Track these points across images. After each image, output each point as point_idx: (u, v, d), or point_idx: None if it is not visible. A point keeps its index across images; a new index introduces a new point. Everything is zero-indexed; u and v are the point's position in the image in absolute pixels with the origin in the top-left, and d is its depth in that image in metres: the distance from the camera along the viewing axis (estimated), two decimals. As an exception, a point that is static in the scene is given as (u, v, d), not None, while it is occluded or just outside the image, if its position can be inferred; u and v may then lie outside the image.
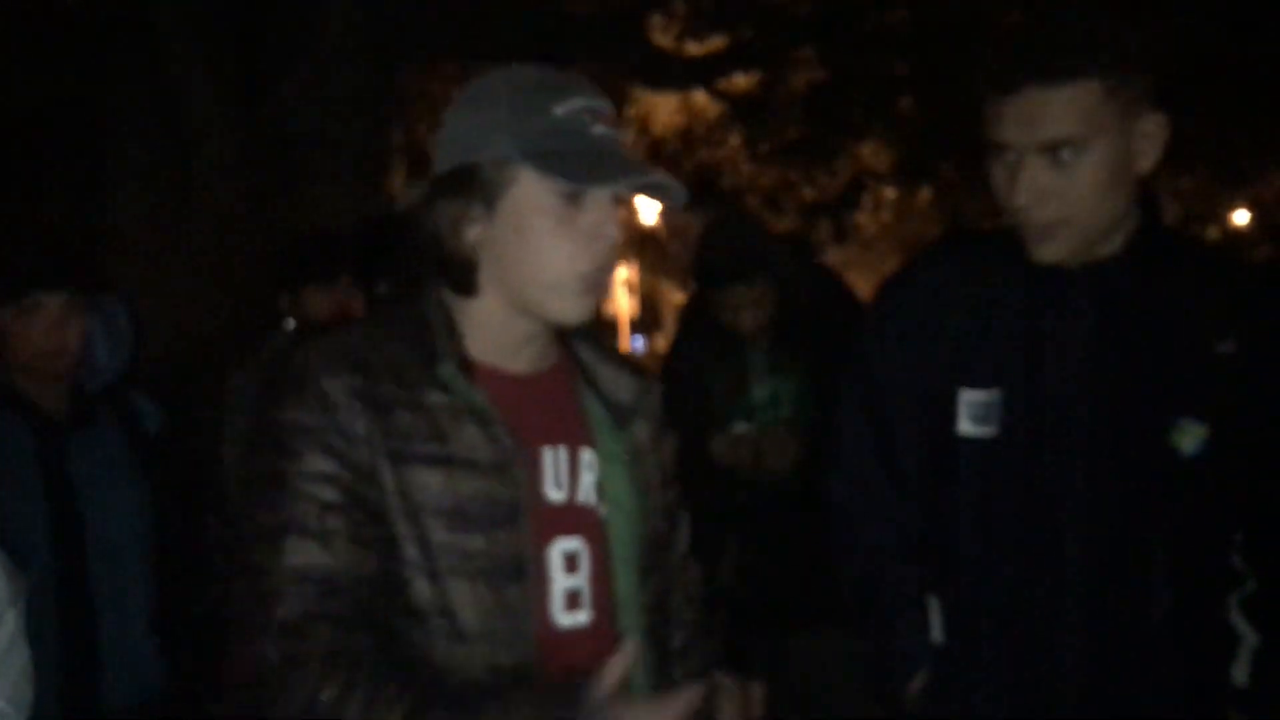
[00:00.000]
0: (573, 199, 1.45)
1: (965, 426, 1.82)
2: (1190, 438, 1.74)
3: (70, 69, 5.12)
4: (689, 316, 3.60)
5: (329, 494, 1.39)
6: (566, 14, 6.89)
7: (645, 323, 23.33)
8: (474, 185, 1.45)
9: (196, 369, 3.93)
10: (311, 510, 1.38)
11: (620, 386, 1.63)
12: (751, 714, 2.26)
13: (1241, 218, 15.63)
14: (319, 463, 1.39)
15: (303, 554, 1.38)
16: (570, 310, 1.49)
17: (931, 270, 1.97)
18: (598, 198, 1.46)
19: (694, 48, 8.24)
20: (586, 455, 1.55)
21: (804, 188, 9.67)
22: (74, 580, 2.49)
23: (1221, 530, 1.82)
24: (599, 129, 1.47)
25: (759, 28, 7.56)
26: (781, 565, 3.09)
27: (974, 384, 1.82)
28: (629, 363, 1.69)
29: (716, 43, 7.96)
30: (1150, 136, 1.74)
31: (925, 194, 11.04)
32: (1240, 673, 1.81)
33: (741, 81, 8.69)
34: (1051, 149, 1.68)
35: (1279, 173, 12.08)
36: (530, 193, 1.45)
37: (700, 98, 10.15)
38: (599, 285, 1.50)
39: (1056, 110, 1.67)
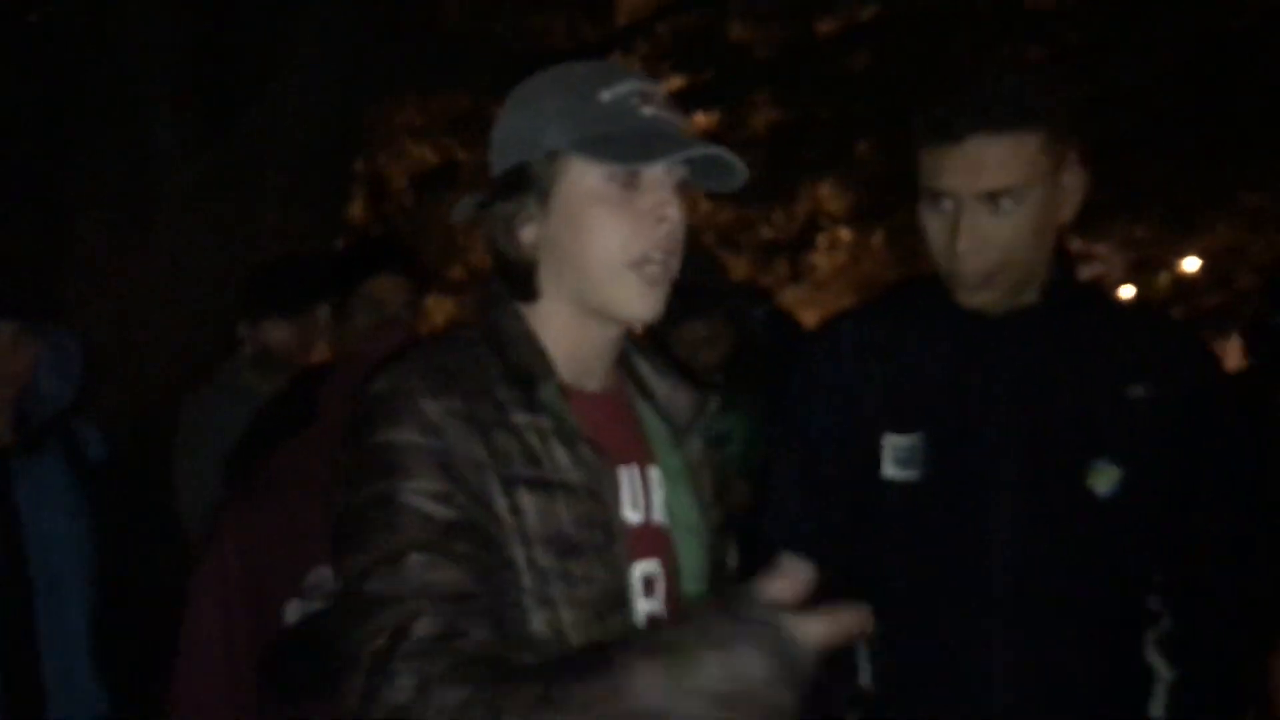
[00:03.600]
0: (628, 183, 1.37)
1: (889, 470, 1.86)
2: (1105, 479, 1.79)
3: (31, 93, 5.10)
4: None
5: (448, 513, 1.27)
6: (532, 50, 6.94)
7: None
8: (525, 183, 1.39)
9: (155, 397, 3.93)
10: (433, 527, 1.26)
11: (677, 400, 1.55)
12: None
13: (1192, 265, 15.85)
14: (432, 481, 1.27)
15: (431, 570, 1.24)
16: (636, 302, 1.40)
17: (859, 318, 2.03)
18: (655, 178, 1.38)
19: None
20: (654, 473, 1.48)
21: (761, 227, 9.75)
22: (17, 608, 2.49)
23: (1138, 569, 1.87)
24: (650, 109, 1.39)
25: (719, 68, 7.64)
26: None
27: (898, 429, 1.86)
28: (686, 376, 1.61)
29: (677, 82, 8.05)
30: (1072, 189, 1.81)
31: (880, 236, 11.14)
32: (1157, 708, 1.86)
33: (701, 120, 8.78)
34: (992, 197, 1.73)
35: (1227, 223, 12.29)
36: (582, 181, 1.37)
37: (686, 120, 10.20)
38: (665, 274, 1.41)
39: (999, 160, 1.72)
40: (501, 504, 1.31)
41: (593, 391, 1.46)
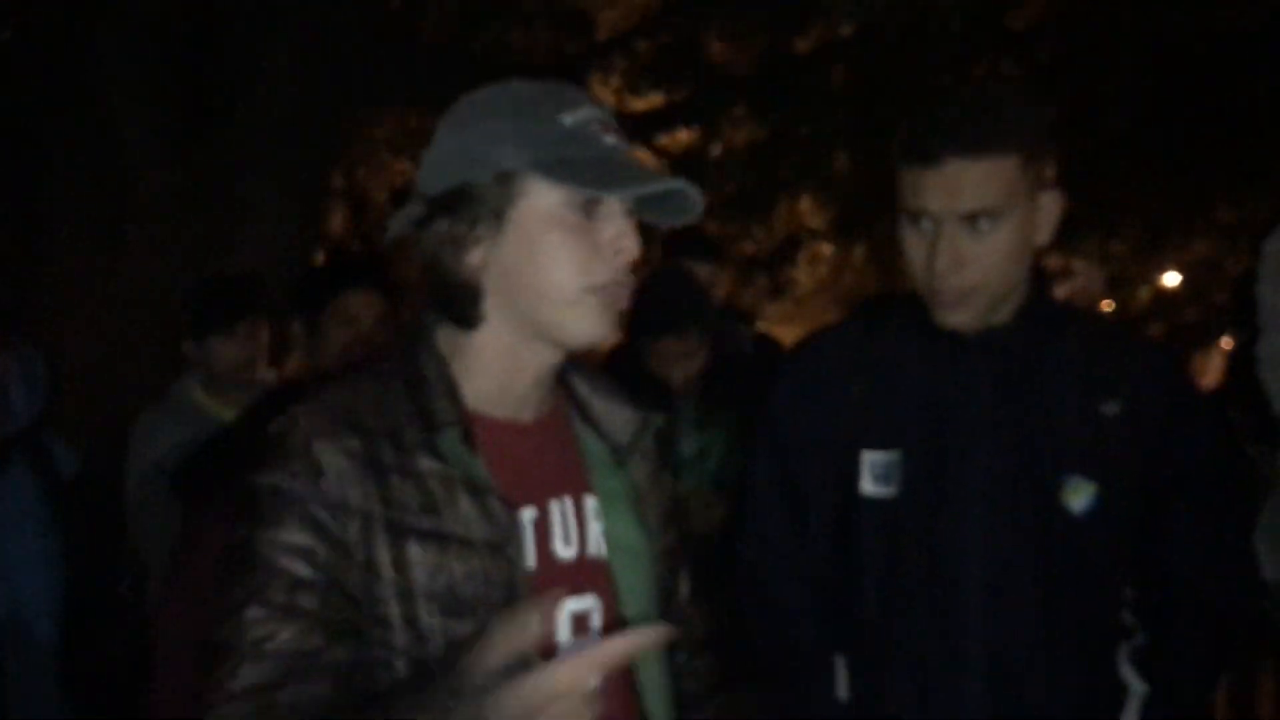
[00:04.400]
0: (587, 210, 1.35)
1: (867, 486, 1.87)
2: (1080, 495, 1.81)
3: (4, 105, 5.07)
4: (615, 367, 3.60)
5: (299, 568, 1.25)
6: (511, 67, 6.94)
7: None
8: (477, 203, 1.34)
9: (129, 411, 3.91)
10: (280, 583, 1.24)
11: (617, 420, 1.51)
12: None
13: (1172, 279, 15.96)
14: (292, 533, 1.26)
15: (265, 625, 1.24)
16: (591, 328, 1.37)
17: (836, 337, 2.04)
18: (613, 209, 1.36)
19: (637, 103, 8.34)
20: (591, 503, 1.44)
21: (742, 242, 9.75)
22: None
23: (1112, 585, 1.89)
24: (610, 139, 1.37)
25: (698, 84, 7.66)
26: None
27: (875, 445, 1.87)
28: (628, 397, 1.57)
29: (656, 98, 8.06)
30: (1048, 211, 1.82)
31: (861, 250, 11.17)
32: (1127, 721, 1.87)
33: (681, 137, 8.79)
34: (970, 218, 1.75)
35: (1204, 238, 12.39)
36: (542, 204, 1.34)
37: (640, 152, 10.24)
38: (618, 301, 1.38)
39: (977, 182, 1.74)
40: (384, 557, 1.28)
41: (526, 422, 1.43)
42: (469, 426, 1.34)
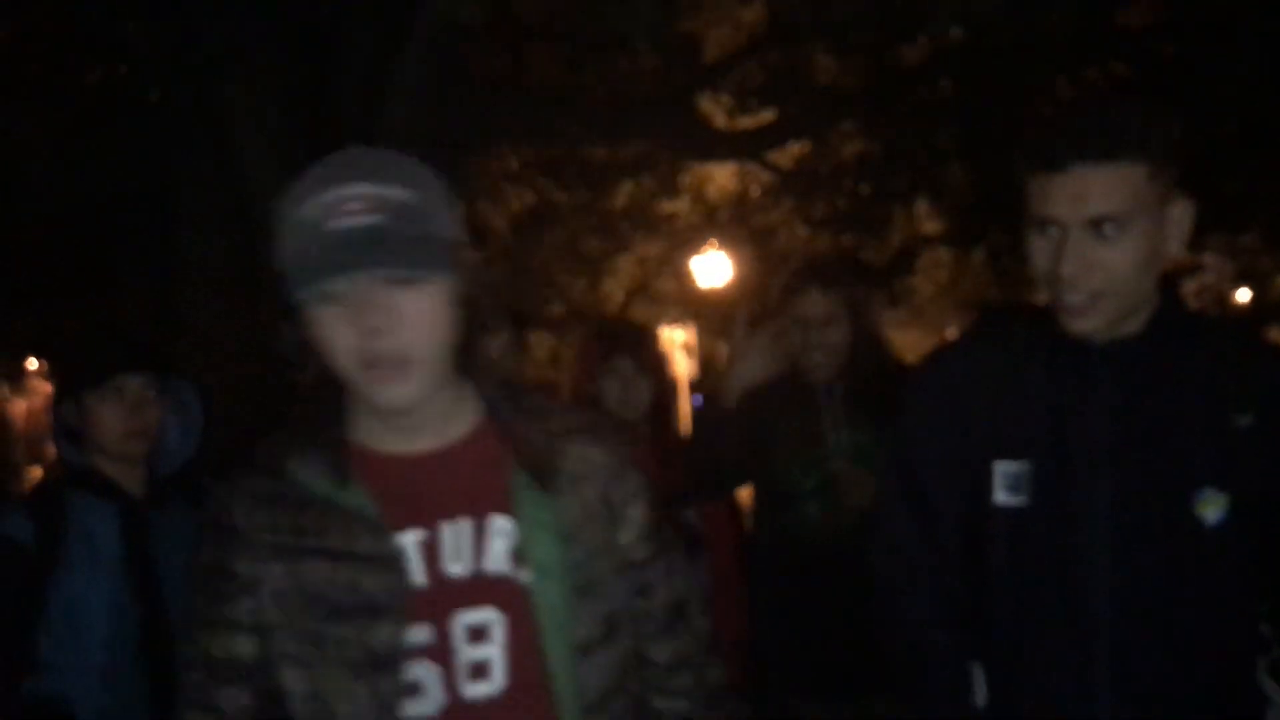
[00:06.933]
0: (328, 299, 1.43)
1: (1000, 496, 1.89)
2: (1213, 507, 1.80)
3: (146, 162, 5.30)
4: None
5: (208, 587, 1.54)
6: (622, 96, 7.04)
7: (704, 383, 23.33)
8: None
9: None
10: (199, 601, 1.55)
11: (556, 452, 1.58)
12: None
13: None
14: (208, 557, 1.54)
15: (191, 642, 1.56)
16: (376, 396, 1.46)
17: (962, 351, 2.07)
18: (353, 289, 1.42)
19: (746, 121, 8.39)
20: (498, 522, 1.54)
21: (858, 252, 9.74)
22: (162, 651, 2.57)
23: (1248, 596, 1.87)
24: (340, 222, 1.42)
25: (806, 101, 7.68)
26: (833, 630, 3.02)
27: (1006, 455, 1.89)
28: (583, 428, 1.64)
29: (766, 116, 8.09)
30: (1179, 221, 1.82)
31: (979, 255, 11.06)
32: (1269, 733, 1.86)
33: (792, 152, 8.81)
34: (1096, 225, 1.76)
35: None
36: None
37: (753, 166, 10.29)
38: (396, 368, 1.45)
39: (1104, 188, 1.75)
40: (275, 572, 1.48)
41: (418, 453, 1.55)
42: (343, 456, 1.52)
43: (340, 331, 1.43)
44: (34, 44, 5.85)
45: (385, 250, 1.41)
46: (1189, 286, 14.21)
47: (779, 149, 8.51)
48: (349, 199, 1.43)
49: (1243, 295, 17.48)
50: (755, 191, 11.97)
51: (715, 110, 8.50)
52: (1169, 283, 1.90)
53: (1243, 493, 1.80)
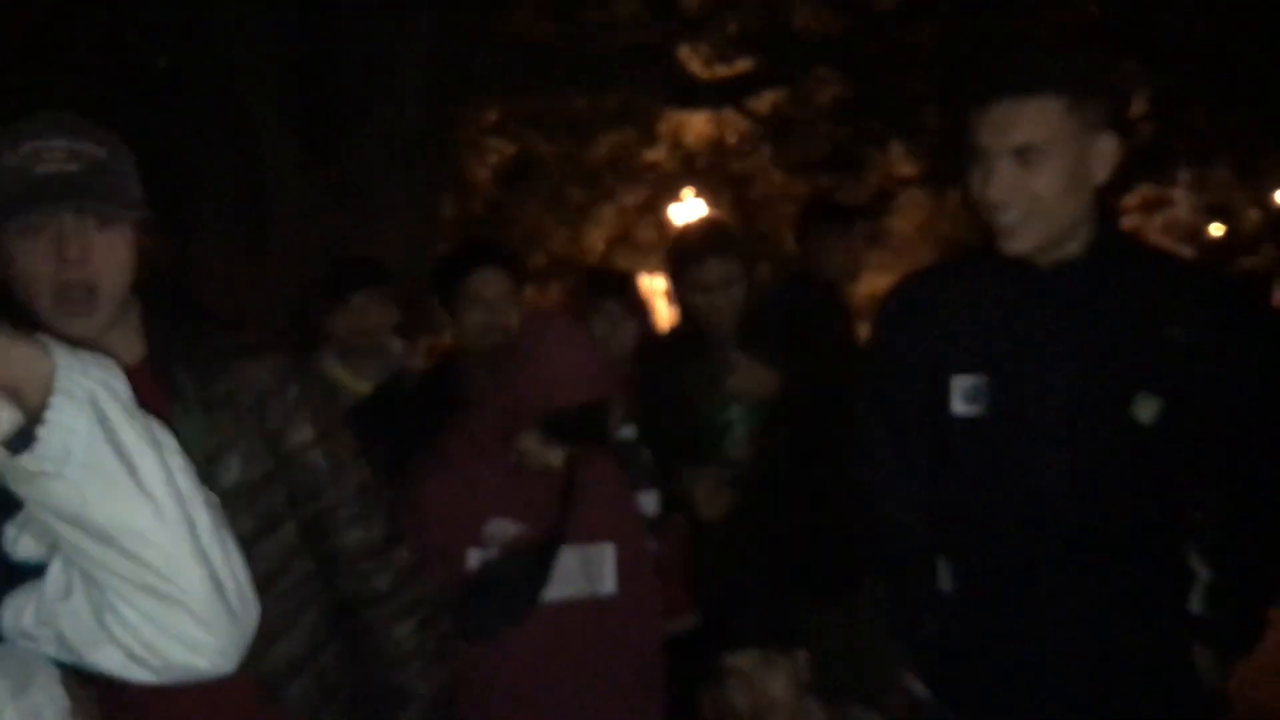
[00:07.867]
0: (28, 233, 1.60)
1: (959, 407, 2.10)
2: (1148, 409, 2.02)
3: (160, 126, 5.44)
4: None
5: None
6: (603, 47, 7.17)
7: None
8: None
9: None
10: None
11: (215, 372, 1.76)
12: (800, 680, 2.55)
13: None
14: None
15: None
16: (66, 327, 1.58)
17: (925, 276, 2.30)
18: (55, 226, 1.59)
19: (723, 69, 8.51)
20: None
21: (838, 195, 9.90)
22: None
23: (1181, 488, 2.11)
24: (44, 167, 1.59)
25: (783, 49, 7.81)
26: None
27: (963, 369, 2.10)
28: (230, 350, 1.81)
29: (744, 65, 8.22)
30: (1103, 154, 2.03)
31: (955, 196, 11.21)
32: (1197, 603, 2.12)
33: (769, 98, 8.93)
34: (1020, 153, 1.97)
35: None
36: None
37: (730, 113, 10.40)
38: (85, 299, 1.62)
39: (1024, 119, 1.97)
40: None
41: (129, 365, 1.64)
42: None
43: (38, 261, 1.60)
44: (41, 15, 5.96)
45: (83, 191, 1.61)
46: (1157, 221, 14.35)
47: (757, 96, 8.64)
48: (52, 149, 1.61)
49: (1215, 230, 17.63)
50: (732, 138, 12.08)
51: (693, 59, 8.61)
52: (1103, 209, 2.11)
53: (1174, 396, 2.02)
